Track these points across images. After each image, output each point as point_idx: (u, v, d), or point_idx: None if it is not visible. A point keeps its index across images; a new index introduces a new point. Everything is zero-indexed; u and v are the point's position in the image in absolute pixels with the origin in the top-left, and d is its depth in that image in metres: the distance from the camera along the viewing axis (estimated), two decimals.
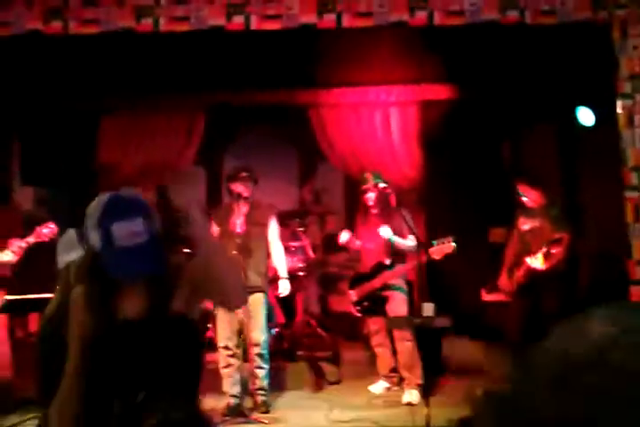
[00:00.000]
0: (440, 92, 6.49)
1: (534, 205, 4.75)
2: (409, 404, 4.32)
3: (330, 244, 6.58)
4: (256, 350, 4.16)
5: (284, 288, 4.47)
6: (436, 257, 4.30)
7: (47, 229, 4.39)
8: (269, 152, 6.77)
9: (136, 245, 1.53)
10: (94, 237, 1.58)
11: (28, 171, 6.63)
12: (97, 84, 6.07)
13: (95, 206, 1.63)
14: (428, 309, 3.61)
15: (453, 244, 4.29)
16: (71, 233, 2.13)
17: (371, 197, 4.69)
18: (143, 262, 1.55)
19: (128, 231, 1.55)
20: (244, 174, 4.41)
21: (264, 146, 6.78)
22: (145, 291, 1.63)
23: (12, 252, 4.35)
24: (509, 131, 6.48)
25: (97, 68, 5.64)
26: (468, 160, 6.56)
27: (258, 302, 4.22)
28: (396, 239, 4.53)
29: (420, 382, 4.43)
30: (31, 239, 4.38)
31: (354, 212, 6.58)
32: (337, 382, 4.96)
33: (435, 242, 4.34)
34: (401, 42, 5.44)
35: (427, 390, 3.85)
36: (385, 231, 4.52)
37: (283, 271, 4.47)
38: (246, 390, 4.30)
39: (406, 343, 4.49)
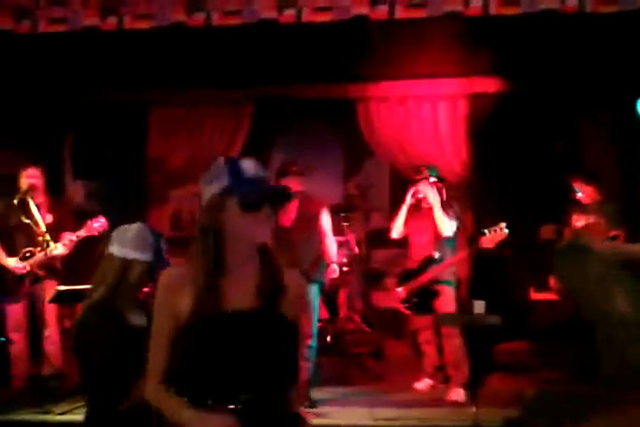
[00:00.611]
0: (489, 84, 6.36)
1: (589, 201, 4.62)
2: (455, 402, 4.25)
3: (374, 239, 6.54)
4: (306, 341, 4.15)
5: (333, 271, 4.48)
6: (489, 245, 4.20)
7: (98, 223, 4.46)
8: (316, 147, 6.75)
9: (262, 176, 1.61)
10: (215, 187, 1.58)
11: (79, 165, 6.76)
12: (147, 78, 6.16)
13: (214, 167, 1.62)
14: (479, 306, 3.52)
15: (506, 230, 4.17)
16: (142, 228, 2.13)
17: (423, 189, 4.61)
18: (271, 188, 1.65)
19: (253, 165, 1.62)
20: (294, 169, 4.40)
21: (311, 140, 6.76)
22: (257, 277, 1.59)
23: (64, 245, 4.44)
24: (563, 125, 6.28)
25: (148, 62, 5.71)
26: (517, 155, 6.41)
27: (312, 293, 4.22)
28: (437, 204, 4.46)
29: (466, 380, 4.35)
30: (82, 233, 4.46)
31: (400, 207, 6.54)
32: (380, 379, 4.91)
33: (486, 230, 4.23)
34: (449, 34, 5.34)
35: (474, 390, 3.76)
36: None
37: (333, 257, 4.48)
38: None
39: (454, 341, 4.41)
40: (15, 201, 4.51)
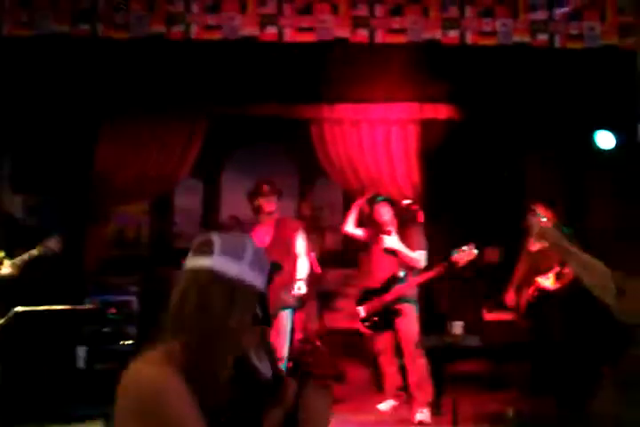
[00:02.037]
0: (441, 111, 6.56)
1: (547, 225, 4.80)
2: (421, 423, 4.27)
3: (327, 259, 6.53)
4: (280, 364, 4.08)
5: (299, 288, 4.38)
6: (460, 264, 4.29)
7: (53, 242, 4.23)
8: (269, 166, 6.71)
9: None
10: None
11: (18, 178, 6.41)
12: (95, 91, 5.96)
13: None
14: (457, 327, 3.58)
15: (475, 250, 4.28)
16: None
17: (384, 212, 4.67)
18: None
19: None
20: (267, 189, 4.35)
21: (264, 159, 6.72)
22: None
23: (14, 264, 4.17)
24: (510, 152, 6.55)
25: (96, 74, 5.54)
26: (466, 180, 6.62)
27: (285, 318, 4.16)
28: (403, 249, 4.51)
29: (430, 399, 4.39)
30: (35, 252, 4.21)
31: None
32: (342, 401, 4.87)
33: (455, 251, 4.32)
34: (405, 61, 5.50)
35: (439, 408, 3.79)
36: (390, 241, 4.51)
37: (301, 274, 4.39)
38: None
39: (419, 361, 4.45)
40: None
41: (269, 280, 1.47)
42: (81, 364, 5.52)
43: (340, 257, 5.37)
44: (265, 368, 1.60)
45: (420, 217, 4.57)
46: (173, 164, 6.46)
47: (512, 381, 4.78)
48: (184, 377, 1.27)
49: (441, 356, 4.06)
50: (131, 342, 5.64)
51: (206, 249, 1.36)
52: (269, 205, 4.28)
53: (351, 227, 4.82)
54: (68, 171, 6.49)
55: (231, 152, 6.85)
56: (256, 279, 1.39)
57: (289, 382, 1.52)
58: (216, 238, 1.38)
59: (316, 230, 6.57)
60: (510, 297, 4.83)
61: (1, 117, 6.00)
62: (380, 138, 6.60)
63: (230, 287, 1.34)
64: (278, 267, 3.56)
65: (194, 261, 1.36)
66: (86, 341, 5.49)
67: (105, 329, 5.54)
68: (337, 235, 6.70)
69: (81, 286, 6.12)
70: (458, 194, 6.66)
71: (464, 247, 4.30)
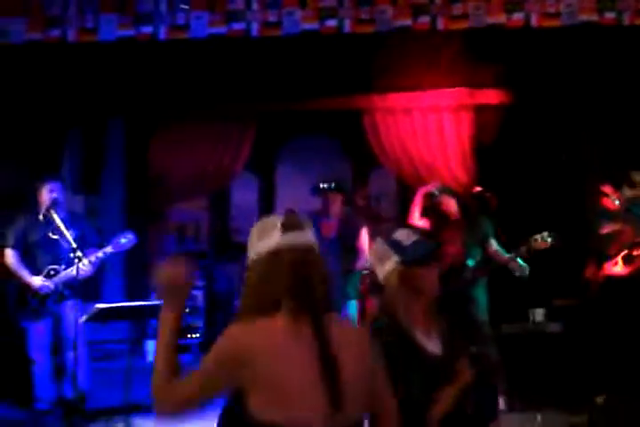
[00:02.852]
0: (493, 96, 6.47)
1: (616, 207, 4.72)
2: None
3: None
4: None
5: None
6: (525, 255, 4.22)
7: (126, 239, 4.33)
8: (322, 158, 6.73)
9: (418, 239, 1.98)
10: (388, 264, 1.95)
11: (78, 179, 6.58)
12: (150, 93, 6.06)
13: None
14: (539, 314, 3.54)
15: (550, 239, 4.19)
16: (378, 243, 2.05)
17: (451, 203, 4.65)
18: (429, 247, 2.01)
19: (406, 233, 1.99)
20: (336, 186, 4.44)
21: (317, 152, 6.74)
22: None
23: (90, 262, 4.28)
24: (566, 136, 6.42)
25: (150, 77, 5.65)
26: (522, 165, 6.53)
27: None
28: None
29: (504, 388, 4.36)
30: (109, 249, 4.31)
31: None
32: None
33: (531, 239, 4.24)
34: (454, 47, 5.45)
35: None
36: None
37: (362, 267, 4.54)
38: None
39: (490, 349, 4.42)
40: (41, 216, 4.35)
41: None
42: (151, 357, 5.67)
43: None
44: (433, 346, 1.79)
45: (494, 204, 4.50)
46: (227, 160, 6.53)
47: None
48: None
49: (524, 343, 4.02)
50: (198, 335, 5.77)
51: (301, 226, 1.51)
52: (337, 202, 4.35)
53: (416, 219, 4.80)
54: (126, 171, 6.63)
55: (284, 146, 6.89)
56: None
57: (464, 364, 1.71)
58: (302, 216, 1.56)
59: (372, 221, 6.58)
60: (590, 270, 4.71)
61: (60, 120, 6.17)
62: (432, 125, 6.55)
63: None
64: None
65: (294, 239, 1.47)
66: (155, 334, 5.62)
67: None
68: (393, 225, 6.69)
69: (146, 282, 6.27)
70: (514, 180, 6.57)
71: (536, 236, 4.21)
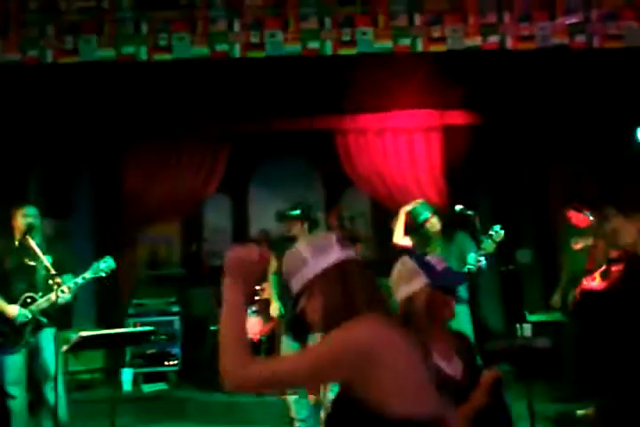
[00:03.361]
0: (462, 117, 6.62)
1: (583, 225, 4.86)
2: None
3: None
4: None
5: None
6: (490, 249, 4.29)
7: (105, 264, 4.23)
8: (295, 179, 6.74)
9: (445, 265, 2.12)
10: (416, 284, 2.06)
11: (45, 202, 6.41)
12: (121, 115, 6.00)
13: None
14: (527, 329, 3.59)
15: (501, 231, 4.26)
16: (408, 262, 2.06)
17: (436, 222, 4.70)
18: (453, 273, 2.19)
19: (436, 258, 2.14)
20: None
21: (289, 173, 6.75)
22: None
23: (69, 288, 4.15)
24: (532, 155, 6.61)
25: (120, 97, 5.58)
26: (491, 183, 6.67)
27: None
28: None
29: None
30: (87, 275, 4.20)
31: (383, 238, 6.62)
32: None
33: (484, 238, 4.31)
34: (423, 69, 5.56)
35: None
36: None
37: None
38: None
39: None
40: (17, 242, 4.21)
41: None
42: (127, 386, 5.52)
43: (375, 267, 5.36)
44: (451, 369, 1.76)
45: (477, 221, 4.55)
46: (200, 181, 6.49)
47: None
48: None
49: (514, 358, 4.05)
50: (175, 362, 5.64)
51: (348, 243, 1.62)
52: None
53: (401, 237, 4.84)
54: (96, 194, 6.51)
55: (257, 167, 6.88)
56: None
57: (482, 383, 1.72)
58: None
59: (349, 241, 6.60)
60: (555, 299, 4.84)
61: (26, 143, 6.03)
62: (403, 146, 6.66)
63: None
64: None
65: (347, 254, 1.57)
66: (132, 363, 5.48)
67: (149, 351, 5.54)
68: (367, 245, 6.72)
69: (118, 308, 6.12)
70: (482, 198, 6.70)
71: (490, 232, 4.29)
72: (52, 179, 6.38)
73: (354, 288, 1.49)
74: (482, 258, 4.24)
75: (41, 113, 5.75)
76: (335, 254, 1.53)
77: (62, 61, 3.94)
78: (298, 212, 4.85)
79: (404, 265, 2.04)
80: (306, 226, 4.82)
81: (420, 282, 2.00)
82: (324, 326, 1.49)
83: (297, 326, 1.64)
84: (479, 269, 4.27)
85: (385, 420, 1.35)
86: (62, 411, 4.18)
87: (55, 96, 5.41)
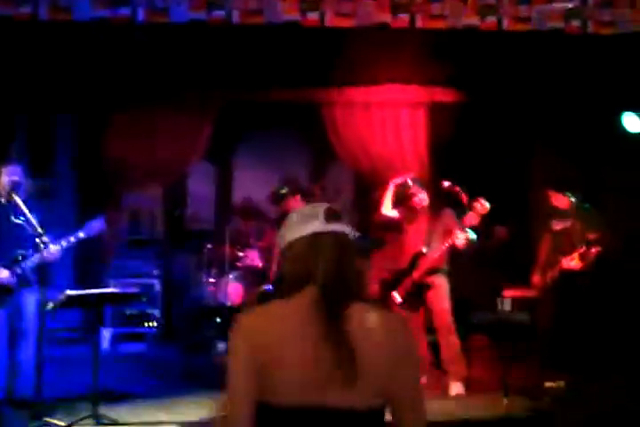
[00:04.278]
0: (449, 94, 6.67)
1: (565, 206, 4.99)
2: (458, 395, 4.44)
3: None
4: None
5: None
6: (475, 221, 4.40)
7: (97, 224, 4.25)
8: (280, 150, 6.76)
9: None
10: None
11: (30, 163, 6.34)
12: (107, 77, 5.92)
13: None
14: (507, 303, 3.72)
15: (487, 203, 4.36)
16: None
17: (424, 197, 4.79)
18: None
19: None
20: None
21: (275, 144, 6.76)
22: None
23: (60, 247, 4.17)
24: (517, 134, 6.71)
25: (107, 61, 5.52)
26: (474, 161, 6.77)
27: None
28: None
29: (465, 374, 4.57)
30: (80, 234, 4.22)
31: (365, 211, 6.71)
32: None
33: (467, 210, 4.42)
34: (414, 45, 5.57)
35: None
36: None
37: None
38: None
39: (451, 338, 4.61)
40: (2, 200, 4.20)
41: None
42: (106, 345, 5.59)
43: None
44: None
45: (464, 198, 4.65)
46: (185, 149, 6.46)
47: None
48: None
49: (492, 332, 4.20)
50: (154, 323, 5.72)
51: (341, 217, 1.51)
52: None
53: (388, 209, 4.93)
54: (79, 157, 6.46)
55: (243, 136, 6.88)
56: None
57: None
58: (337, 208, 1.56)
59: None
60: (536, 278, 4.97)
61: (9, 103, 5.93)
62: (389, 121, 6.70)
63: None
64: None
65: (335, 227, 1.47)
66: (112, 322, 5.55)
67: (130, 311, 5.60)
68: (348, 218, 6.80)
69: (97, 270, 6.15)
70: (465, 176, 6.80)
71: (474, 204, 4.40)
72: (35, 139, 6.29)
73: (311, 259, 1.43)
74: (469, 231, 4.35)
75: (25, 72, 5.65)
76: (315, 226, 1.45)
77: (55, 19, 3.86)
78: (286, 189, 4.95)
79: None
80: (299, 198, 4.94)
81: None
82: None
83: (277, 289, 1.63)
84: (468, 242, 4.39)
85: (272, 409, 1.33)
86: (38, 369, 4.20)
87: (41, 55, 5.33)
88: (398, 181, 4.90)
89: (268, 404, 1.34)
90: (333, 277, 1.40)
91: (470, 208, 4.44)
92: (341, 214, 1.50)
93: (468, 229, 4.40)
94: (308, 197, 5.04)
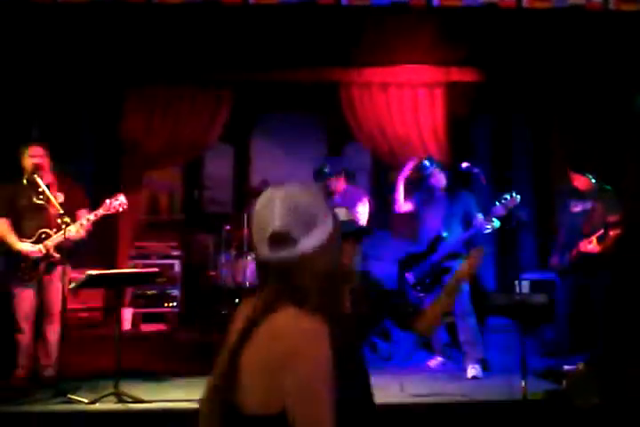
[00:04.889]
0: (467, 74, 6.60)
1: (584, 188, 4.92)
2: (474, 377, 4.45)
3: None
4: None
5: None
6: (501, 213, 4.37)
7: (117, 202, 4.29)
8: (298, 130, 6.75)
9: None
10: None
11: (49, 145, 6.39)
12: (123, 58, 5.93)
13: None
14: (525, 286, 3.71)
15: (518, 196, 4.31)
16: None
17: (441, 178, 4.77)
18: None
19: None
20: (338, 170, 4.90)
21: (292, 125, 6.75)
22: None
23: (81, 225, 4.23)
24: (534, 114, 6.63)
25: (124, 41, 5.52)
26: (494, 141, 6.72)
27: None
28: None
29: (481, 356, 4.58)
30: (100, 212, 4.27)
31: (382, 192, 6.70)
32: (389, 359, 5.05)
33: (498, 203, 4.39)
34: (432, 24, 5.51)
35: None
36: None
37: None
38: None
39: (469, 320, 4.61)
40: (24, 181, 4.26)
41: None
42: (127, 325, 5.67)
43: (371, 219, 5.48)
44: None
45: (483, 179, 4.61)
46: (202, 130, 6.49)
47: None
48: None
49: (510, 314, 4.20)
50: (175, 304, 5.79)
51: (284, 242, 1.38)
52: (340, 183, 4.53)
53: (402, 204, 4.94)
54: (97, 138, 6.49)
55: (261, 118, 6.87)
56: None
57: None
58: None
59: None
60: (555, 259, 4.93)
61: (28, 86, 5.96)
62: (407, 101, 6.65)
63: None
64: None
65: (281, 254, 1.36)
66: (132, 303, 5.62)
67: (150, 292, 5.67)
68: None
69: (116, 250, 6.21)
70: (485, 156, 6.76)
71: (506, 195, 4.36)
72: (54, 122, 6.32)
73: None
74: (494, 219, 4.34)
75: (44, 55, 5.68)
76: (260, 251, 1.37)
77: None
78: (328, 168, 5.01)
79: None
80: (343, 180, 5.00)
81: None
82: None
83: None
84: (492, 230, 4.37)
85: (242, 417, 1.30)
86: (55, 348, 4.28)
87: (59, 37, 5.36)
88: (417, 161, 4.89)
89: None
90: (276, 294, 1.32)
91: (499, 201, 4.39)
92: (288, 236, 1.33)
93: (494, 219, 4.37)
94: (351, 180, 5.08)
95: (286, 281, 1.32)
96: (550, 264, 4.95)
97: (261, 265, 1.39)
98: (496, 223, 4.45)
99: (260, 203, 1.38)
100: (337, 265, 1.41)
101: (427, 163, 4.82)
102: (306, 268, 1.32)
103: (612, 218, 4.68)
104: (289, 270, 1.33)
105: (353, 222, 2.29)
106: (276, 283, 1.33)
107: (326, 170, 4.98)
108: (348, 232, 2.02)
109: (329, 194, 4.90)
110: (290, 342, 1.24)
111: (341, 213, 1.91)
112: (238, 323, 1.36)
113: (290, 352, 1.23)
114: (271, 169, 6.60)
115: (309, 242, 1.33)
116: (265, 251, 1.34)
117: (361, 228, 2.51)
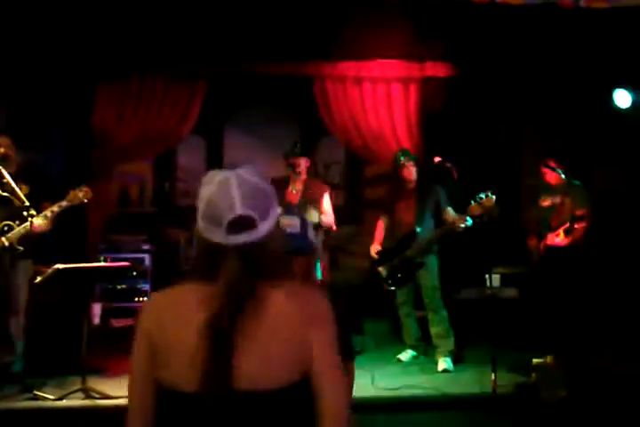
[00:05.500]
0: (441, 69, 6.61)
1: (555, 182, 4.99)
2: (445, 371, 4.49)
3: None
4: None
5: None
6: (477, 213, 4.38)
7: (82, 193, 4.21)
8: (271, 124, 6.70)
9: None
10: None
11: (16, 134, 6.25)
12: (95, 49, 5.82)
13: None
14: (495, 280, 3.74)
15: (493, 196, 4.31)
16: None
17: (413, 171, 4.77)
18: None
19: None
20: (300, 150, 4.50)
21: (266, 118, 6.70)
22: None
23: (46, 217, 4.15)
24: (507, 109, 6.68)
25: (96, 31, 5.42)
26: (465, 137, 6.74)
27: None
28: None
29: (452, 349, 4.61)
30: (64, 203, 4.19)
31: (355, 186, 6.69)
32: (360, 352, 5.05)
33: (474, 200, 4.40)
34: (406, 18, 5.51)
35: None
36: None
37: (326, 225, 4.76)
38: None
39: (441, 312, 4.64)
40: None
41: None
42: (96, 320, 5.59)
43: (343, 213, 5.50)
44: None
45: (455, 174, 4.63)
46: (175, 121, 6.38)
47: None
48: None
49: (480, 308, 4.23)
50: (145, 298, 5.71)
51: (245, 226, 1.39)
52: (303, 163, 4.42)
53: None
54: (67, 129, 6.37)
55: (234, 110, 6.80)
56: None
57: None
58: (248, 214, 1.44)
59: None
60: (533, 241, 4.97)
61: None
62: (381, 95, 6.64)
63: None
64: None
65: (239, 239, 1.37)
66: (101, 298, 5.54)
67: (120, 286, 5.59)
68: (339, 192, 6.79)
69: (86, 244, 6.11)
70: (457, 151, 6.78)
71: (482, 195, 4.36)
72: (23, 112, 6.19)
73: (208, 259, 1.38)
74: (468, 218, 4.35)
75: (12, 44, 5.54)
76: (216, 235, 1.35)
77: None
78: (299, 148, 4.89)
79: None
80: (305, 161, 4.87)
81: None
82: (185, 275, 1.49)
83: None
84: (466, 228, 4.39)
85: (178, 395, 1.31)
86: (20, 343, 4.21)
87: (28, 27, 5.24)
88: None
89: (174, 390, 1.32)
90: (236, 283, 1.31)
91: (475, 200, 4.39)
92: (251, 220, 1.34)
93: (468, 218, 4.39)
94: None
95: (248, 261, 1.33)
96: (529, 245, 4.98)
97: (210, 250, 1.36)
98: (469, 222, 4.47)
99: (212, 188, 1.37)
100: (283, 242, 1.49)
101: (399, 155, 4.83)
102: (266, 247, 1.36)
103: (580, 211, 4.74)
104: (250, 252, 1.34)
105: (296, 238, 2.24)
106: (237, 264, 1.32)
107: (297, 150, 4.88)
108: (290, 251, 1.99)
109: (295, 171, 4.78)
110: (315, 306, 1.35)
111: (295, 221, 1.88)
112: (191, 307, 1.32)
113: (317, 315, 1.34)
114: (244, 162, 6.52)
115: (267, 224, 1.37)
116: (220, 236, 1.34)
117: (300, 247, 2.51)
